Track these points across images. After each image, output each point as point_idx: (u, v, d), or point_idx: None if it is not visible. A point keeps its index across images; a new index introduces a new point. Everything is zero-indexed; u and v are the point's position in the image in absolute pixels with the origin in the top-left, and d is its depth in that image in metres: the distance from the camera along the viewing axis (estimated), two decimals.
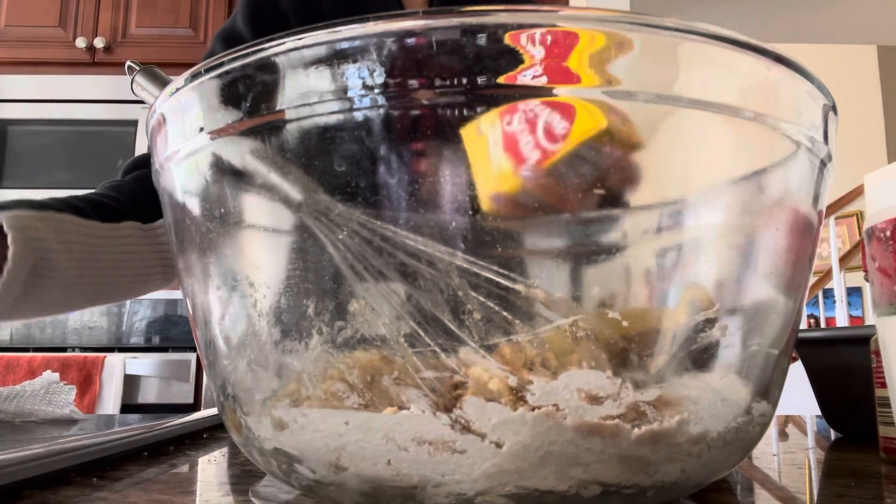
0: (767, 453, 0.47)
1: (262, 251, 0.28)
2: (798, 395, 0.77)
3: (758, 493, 0.34)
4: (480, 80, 0.22)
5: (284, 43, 0.24)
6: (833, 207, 3.18)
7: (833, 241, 3.12)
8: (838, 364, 0.56)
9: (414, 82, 0.23)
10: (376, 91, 0.23)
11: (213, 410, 0.64)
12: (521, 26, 0.22)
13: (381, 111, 0.23)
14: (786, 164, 0.27)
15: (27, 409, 0.61)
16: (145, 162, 0.66)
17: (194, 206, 0.28)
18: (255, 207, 0.27)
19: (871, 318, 2.64)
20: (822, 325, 3.56)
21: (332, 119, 0.24)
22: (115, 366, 1.69)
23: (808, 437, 0.59)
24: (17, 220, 0.48)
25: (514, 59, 0.22)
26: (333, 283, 0.25)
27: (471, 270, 0.24)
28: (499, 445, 0.22)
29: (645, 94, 0.23)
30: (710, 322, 0.25)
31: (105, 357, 1.70)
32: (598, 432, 0.22)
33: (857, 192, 3.15)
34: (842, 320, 3.07)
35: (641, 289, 0.25)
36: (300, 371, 0.25)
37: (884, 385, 0.43)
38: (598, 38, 0.23)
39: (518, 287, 0.24)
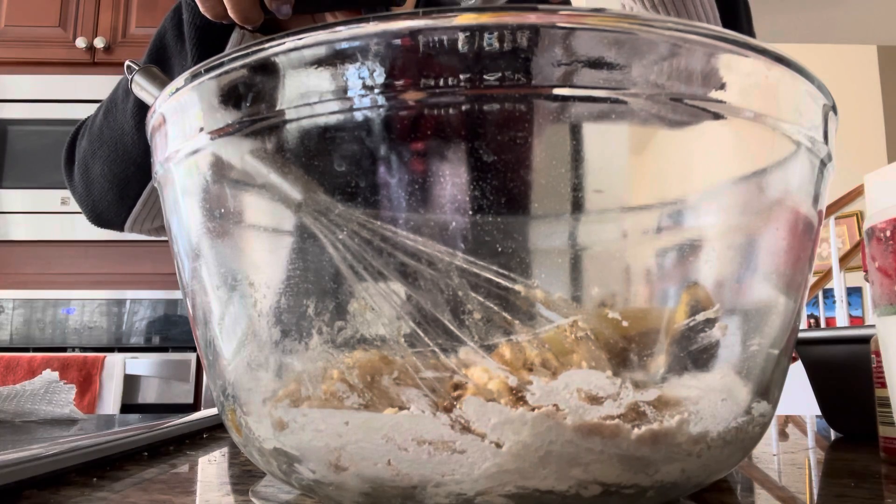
0: (767, 453, 0.47)
1: (262, 251, 0.28)
2: (798, 395, 0.77)
3: (758, 493, 0.34)
4: (480, 80, 0.22)
5: (284, 43, 0.24)
6: (833, 207, 3.18)
7: (833, 241, 3.12)
8: (838, 364, 0.56)
9: (414, 82, 0.23)
10: (376, 91, 0.23)
11: (213, 410, 0.64)
12: (521, 27, 0.22)
13: (381, 111, 0.23)
14: (786, 164, 0.27)
15: (27, 408, 0.61)
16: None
17: (194, 206, 0.28)
18: (255, 207, 0.27)
19: (871, 318, 2.64)
20: (822, 325, 3.56)
21: (332, 119, 0.24)
22: (115, 366, 1.69)
23: (808, 437, 0.59)
24: None
25: (514, 59, 0.22)
26: (333, 283, 0.25)
27: (471, 270, 0.24)
28: (499, 445, 0.22)
29: (647, 94, 0.23)
30: (710, 322, 0.25)
31: (105, 357, 1.70)
32: (598, 432, 0.22)
33: (857, 192, 3.15)
34: (842, 320, 3.07)
35: (641, 289, 0.25)
36: (300, 371, 0.25)
37: (884, 385, 0.43)
38: (598, 37, 0.23)
39: (518, 287, 0.24)
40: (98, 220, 0.69)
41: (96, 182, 0.66)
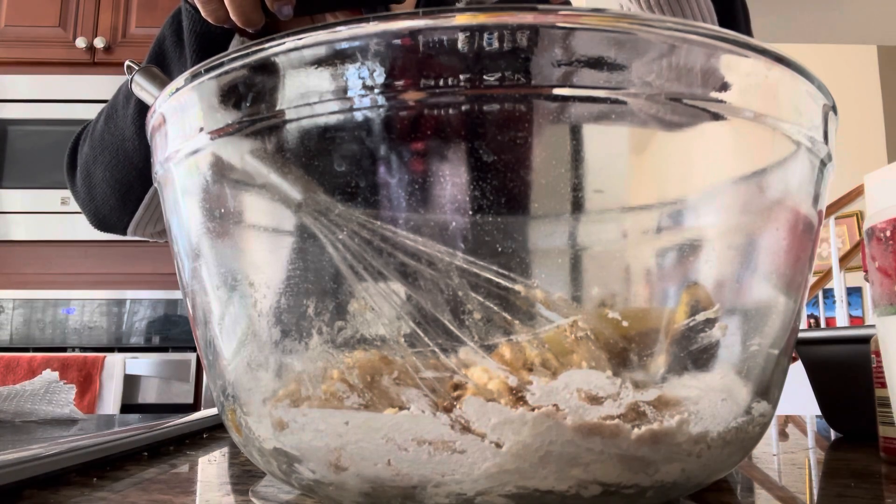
0: (767, 453, 0.47)
1: (262, 251, 0.28)
2: (798, 395, 0.77)
3: (758, 493, 0.34)
4: (480, 80, 0.22)
5: (284, 43, 0.24)
6: (833, 207, 3.18)
7: (833, 241, 3.12)
8: (838, 364, 0.56)
9: (414, 82, 0.23)
10: (376, 91, 0.23)
11: (213, 410, 0.64)
12: (521, 27, 0.22)
13: (381, 111, 0.23)
14: (786, 164, 0.27)
15: (27, 408, 0.61)
16: None
17: (194, 206, 0.28)
18: (255, 207, 0.27)
19: (871, 318, 2.64)
20: (822, 325, 3.56)
21: (332, 119, 0.24)
22: (115, 366, 1.69)
23: (808, 437, 0.59)
24: None
25: (514, 59, 0.22)
26: (333, 283, 0.25)
27: (471, 270, 0.24)
28: (499, 445, 0.22)
29: (646, 94, 0.23)
30: (710, 322, 0.25)
31: (105, 357, 1.70)
32: (598, 432, 0.22)
33: (857, 192, 3.15)
34: (842, 320, 3.07)
35: (641, 289, 0.25)
36: (300, 371, 0.25)
37: (884, 385, 0.43)
38: (598, 37, 0.23)
39: (518, 287, 0.24)
40: (101, 224, 0.70)
41: (98, 187, 0.66)
